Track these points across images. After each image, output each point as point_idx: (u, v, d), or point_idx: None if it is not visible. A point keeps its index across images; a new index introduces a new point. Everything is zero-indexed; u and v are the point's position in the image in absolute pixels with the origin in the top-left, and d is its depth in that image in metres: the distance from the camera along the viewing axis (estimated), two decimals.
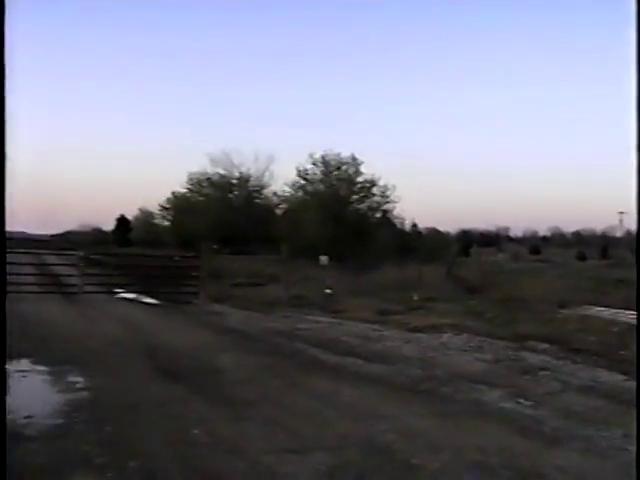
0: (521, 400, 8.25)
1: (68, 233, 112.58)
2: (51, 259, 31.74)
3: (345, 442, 6.27)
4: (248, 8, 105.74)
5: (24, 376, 9.21)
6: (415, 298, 20.06)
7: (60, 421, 6.84)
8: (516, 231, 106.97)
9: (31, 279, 22.32)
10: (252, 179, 57.60)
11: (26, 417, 6.89)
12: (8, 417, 6.94)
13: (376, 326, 15.08)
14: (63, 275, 24.71)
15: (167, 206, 70.88)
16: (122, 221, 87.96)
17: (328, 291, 21.55)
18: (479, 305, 18.42)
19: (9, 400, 7.77)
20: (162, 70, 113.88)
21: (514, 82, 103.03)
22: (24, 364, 10.01)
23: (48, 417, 7.01)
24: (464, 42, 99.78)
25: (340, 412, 7.48)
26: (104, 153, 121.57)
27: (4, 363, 1.91)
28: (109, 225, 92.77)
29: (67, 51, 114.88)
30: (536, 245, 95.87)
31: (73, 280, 22.28)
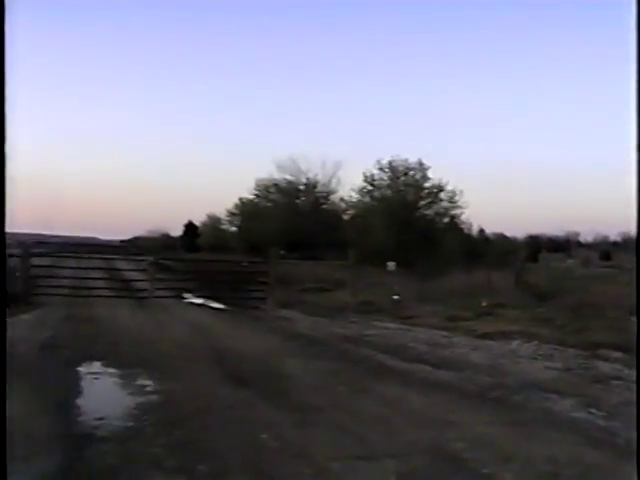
0: (593, 410, 8.03)
1: (137, 239, 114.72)
2: (121, 264, 32.38)
3: (414, 449, 6.20)
4: (310, 13, 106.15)
5: (96, 378, 9.41)
6: (484, 304, 19.78)
7: (131, 424, 6.94)
8: (586, 236, 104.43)
9: (102, 284, 22.82)
10: (319, 185, 57.69)
11: (98, 419, 7.02)
12: (81, 419, 7.11)
13: (444, 332, 14.93)
14: (133, 280, 25.22)
15: (235, 212, 71.61)
16: (190, 227, 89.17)
17: (396, 297, 21.43)
18: (549, 312, 18.04)
19: (82, 401, 7.96)
20: (229, 76, 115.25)
21: (579, 86, 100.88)
22: (96, 367, 10.23)
23: (119, 419, 7.13)
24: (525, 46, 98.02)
25: (408, 419, 7.41)
26: (173, 160, 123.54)
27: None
28: (177, 231, 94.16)
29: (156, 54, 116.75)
30: (607, 250, 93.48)
31: (143, 285, 22.68)
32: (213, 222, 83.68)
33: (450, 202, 46.37)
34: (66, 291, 20.67)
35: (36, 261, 21.84)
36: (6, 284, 1.87)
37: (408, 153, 50.71)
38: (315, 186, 57.95)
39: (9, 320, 15.57)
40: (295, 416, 7.39)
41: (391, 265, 25.23)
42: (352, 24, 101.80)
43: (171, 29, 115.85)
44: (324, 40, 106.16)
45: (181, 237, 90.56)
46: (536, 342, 13.25)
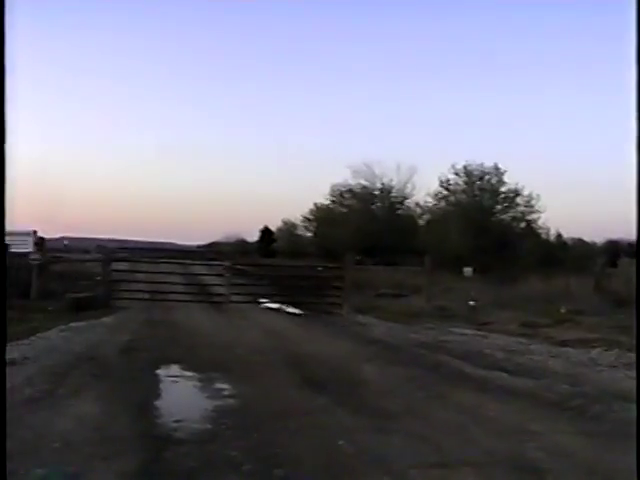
0: None
1: (214, 244, 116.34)
2: (198, 269, 32.87)
3: (491, 459, 6.10)
4: (377, 17, 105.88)
5: (174, 381, 9.58)
6: (562, 311, 19.36)
7: (209, 426, 7.04)
8: None
9: (180, 288, 23.21)
10: (394, 190, 57.52)
11: (176, 421, 7.15)
12: (160, 420, 7.24)
13: (522, 339, 14.67)
14: (210, 285, 25.57)
15: (310, 217, 72.01)
16: (266, 232, 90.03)
17: (472, 303, 21.19)
18: (629, 319, 17.55)
19: (161, 403, 8.10)
20: (305, 82, 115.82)
21: None
22: (174, 370, 10.42)
23: (197, 422, 7.24)
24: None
25: (485, 427, 7.30)
26: (249, 166, 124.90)
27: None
28: (253, 236, 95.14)
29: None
30: None
31: (220, 290, 23.00)
32: (288, 227, 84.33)
33: (527, 206, 45.56)
34: (145, 295, 21.13)
35: (116, 266, 22.36)
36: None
37: (484, 157, 50.12)
38: (390, 191, 57.81)
39: (93, 322, 16.02)
40: (372, 422, 7.37)
41: (468, 271, 24.99)
42: (424, 27, 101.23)
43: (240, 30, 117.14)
44: (399, 44, 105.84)
45: (257, 242, 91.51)
46: (617, 350, 12.88)
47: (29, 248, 21.16)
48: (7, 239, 20.78)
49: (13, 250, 20.79)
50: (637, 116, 2.17)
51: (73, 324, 15.47)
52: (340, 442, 6.51)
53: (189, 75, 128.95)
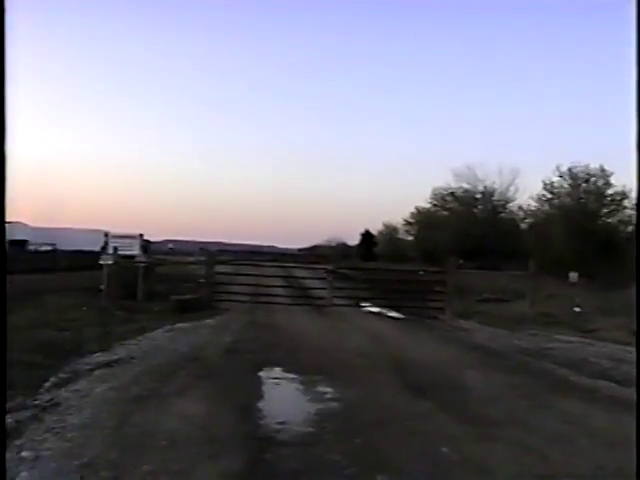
0: None
1: (315, 247, 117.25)
2: (300, 272, 33.15)
3: (601, 472, 5.88)
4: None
5: (277, 384, 9.69)
6: None
7: (311, 429, 7.08)
8: None
9: (282, 291, 23.47)
10: (496, 193, 56.59)
11: (279, 423, 7.23)
12: (263, 422, 7.33)
13: (629, 348, 14.12)
14: (312, 288, 25.78)
15: (411, 221, 71.77)
16: (367, 236, 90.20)
17: (577, 309, 20.59)
18: None
19: (264, 405, 8.20)
20: (406, 85, 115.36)
21: None
22: (277, 372, 10.54)
23: (300, 424, 7.29)
24: None
25: (593, 438, 7.06)
26: (350, 169, 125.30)
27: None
28: (354, 239, 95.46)
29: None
30: None
31: (321, 293, 23.13)
32: (389, 231, 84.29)
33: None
34: (247, 298, 21.45)
35: (219, 268, 22.80)
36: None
37: (590, 157, 48.65)
38: (492, 194, 56.92)
39: (197, 324, 16.37)
40: (475, 429, 7.25)
41: (573, 276, 24.29)
42: (522, 28, 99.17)
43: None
44: (498, 45, 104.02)
45: (358, 246, 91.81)
46: None
47: (136, 251, 21.84)
48: (116, 242, 21.56)
49: (120, 252, 21.54)
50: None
51: (178, 325, 15.86)
52: (443, 449, 6.43)
53: (293, 77, 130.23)
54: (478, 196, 57.85)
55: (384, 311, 22.73)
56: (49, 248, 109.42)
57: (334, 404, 8.42)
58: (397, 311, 22.41)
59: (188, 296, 20.76)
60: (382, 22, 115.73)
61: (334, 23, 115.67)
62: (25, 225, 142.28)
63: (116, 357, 11.20)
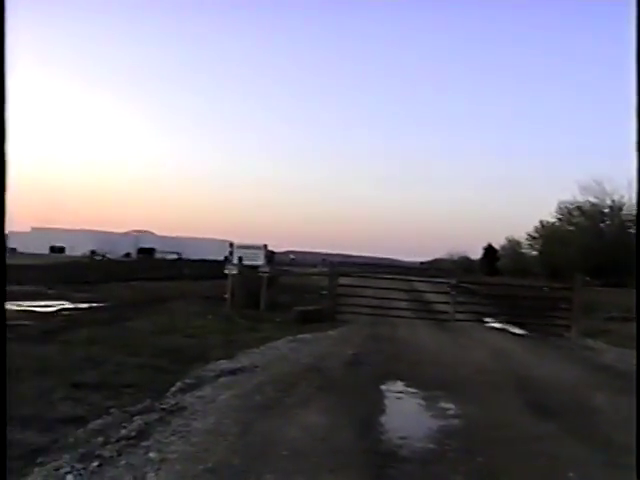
0: None
1: (436, 260, 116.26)
2: (421, 286, 32.85)
3: None
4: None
5: (399, 398, 9.60)
6: None
7: (433, 446, 6.96)
8: None
9: (403, 305, 23.32)
10: (625, 207, 54.35)
11: (401, 438, 7.14)
12: (385, 436, 7.26)
13: None
14: (433, 302, 25.49)
15: (535, 235, 70.03)
16: (490, 250, 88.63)
17: None
18: None
19: (385, 419, 8.13)
20: (531, 96, 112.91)
21: None
22: (399, 386, 10.44)
23: (422, 441, 7.18)
24: None
25: None
26: (472, 183, 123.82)
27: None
28: (476, 254, 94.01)
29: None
30: None
31: (443, 307, 22.86)
32: (512, 245, 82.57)
33: None
34: (368, 310, 21.43)
35: (342, 280, 22.89)
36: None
37: None
38: (621, 208, 54.74)
39: (319, 335, 16.47)
40: (604, 455, 6.91)
41: None
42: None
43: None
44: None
45: (480, 260, 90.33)
46: None
47: (260, 261, 22.23)
48: (241, 252, 22.04)
49: (245, 263, 21.98)
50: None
51: (300, 335, 16.01)
52: (570, 474, 6.17)
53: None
54: (606, 210, 55.85)
55: (507, 327, 22.21)
56: (175, 256, 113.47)
57: (456, 421, 8.25)
58: (521, 328, 21.85)
59: (310, 307, 20.96)
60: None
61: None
62: (153, 234, 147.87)
63: (240, 365, 11.40)
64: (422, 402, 9.41)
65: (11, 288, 29.88)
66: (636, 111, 2.07)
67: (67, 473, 5.56)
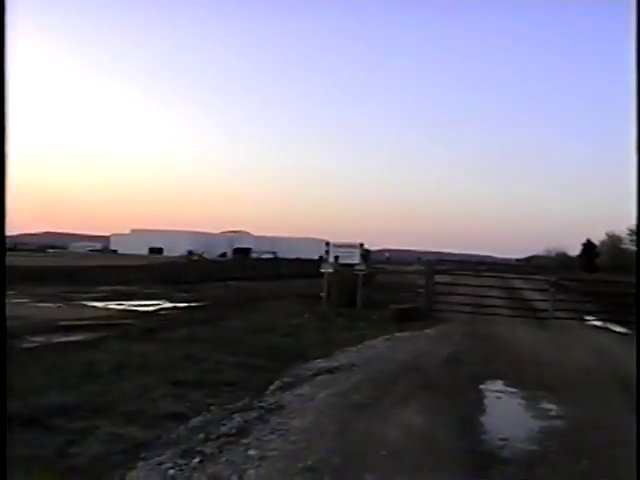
0: None
1: (533, 257, 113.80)
2: (518, 283, 32.24)
3: None
4: None
5: (498, 397, 9.39)
6: None
7: (535, 448, 6.77)
8: None
9: (500, 302, 22.90)
10: None
11: (502, 439, 6.97)
12: (485, 437, 7.11)
13: None
14: (531, 300, 24.93)
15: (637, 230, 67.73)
16: (589, 246, 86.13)
17: None
18: None
19: (485, 419, 7.97)
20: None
21: None
22: (497, 385, 10.22)
23: (523, 442, 7.00)
24: None
25: None
26: (569, 177, 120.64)
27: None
28: (575, 250, 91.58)
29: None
30: None
31: (542, 305, 22.31)
32: (613, 241, 79.98)
33: None
34: (465, 308, 21.13)
35: (438, 278, 22.65)
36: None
37: None
38: None
39: (415, 333, 16.34)
40: None
41: None
42: None
43: None
44: None
45: (579, 256, 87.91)
46: None
47: (356, 260, 22.21)
48: (337, 251, 22.10)
49: (341, 261, 22.01)
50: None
51: (397, 334, 15.90)
52: None
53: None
54: None
55: (609, 326, 21.50)
56: (270, 256, 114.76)
57: (558, 422, 8.01)
58: (624, 326, 21.10)
59: (407, 305, 20.80)
60: None
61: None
62: (249, 234, 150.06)
63: (337, 364, 11.40)
64: (522, 402, 9.19)
65: (113, 288, 30.94)
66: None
67: (169, 468, 5.67)
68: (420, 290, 22.01)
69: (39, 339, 13.53)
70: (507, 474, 5.85)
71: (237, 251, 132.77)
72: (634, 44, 2.17)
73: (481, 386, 10.08)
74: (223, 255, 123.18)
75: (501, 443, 6.82)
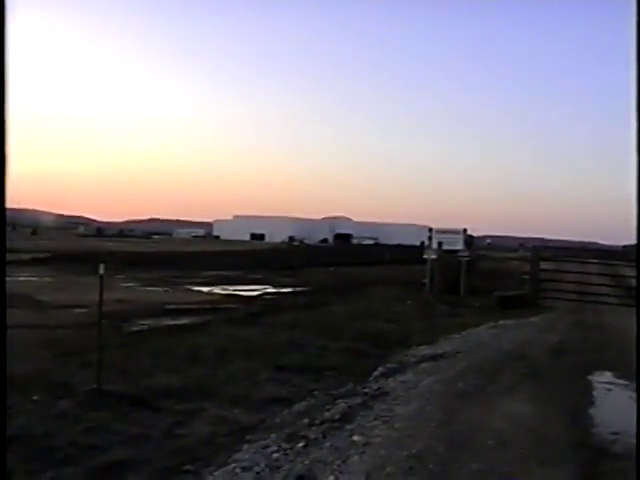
0: None
1: None
2: (627, 271, 31.03)
3: None
4: None
5: (609, 389, 9.07)
6: None
7: None
8: None
9: (607, 290, 22.15)
10: None
11: (613, 433, 6.71)
12: (595, 430, 6.88)
13: None
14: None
15: None
16: None
17: None
18: None
19: (594, 412, 7.71)
20: None
21: None
22: (607, 376, 9.87)
23: (634, 437, 6.70)
24: None
25: None
26: None
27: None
28: None
29: None
30: None
31: None
32: None
33: None
34: (571, 296, 20.54)
35: (543, 265, 22.10)
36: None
37: None
38: None
39: (520, 321, 16.00)
40: None
41: None
42: None
43: None
44: None
45: None
46: None
47: (459, 246, 21.94)
48: (440, 237, 21.88)
49: (445, 247, 21.78)
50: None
51: (501, 322, 15.58)
52: None
53: None
54: None
55: None
56: (371, 242, 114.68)
57: None
58: None
59: (511, 292, 20.39)
60: None
61: None
62: (350, 220, 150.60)
63: (441, 351, 11.27)
64: (634, 395, 8.83)
65: (217, 273, 31.58)
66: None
67: (274, 452, 5.72)
68: (525, 277, 21.55)
69: (147, 322, 13.95)
70: (618, 469, 5.62)
71: (338, 237, 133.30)
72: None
73: (590, 377, 9.74)
74: (324, 241, 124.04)
75: (612, 437, 6.56)
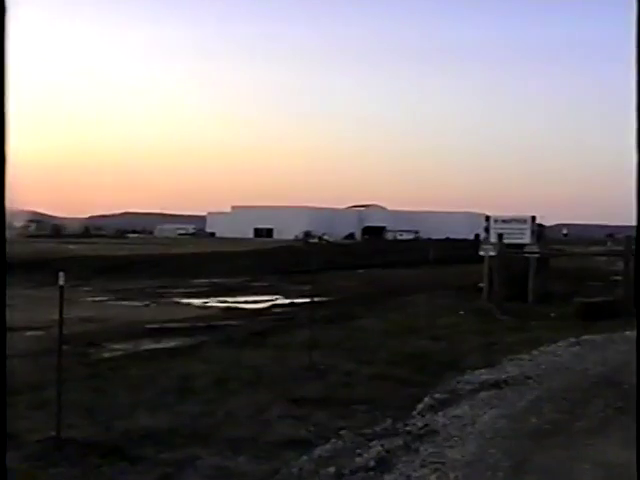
0: None
1: None
2: None
3: None
4: None
5: None
6: None
7: None
8: None
9: None
10: None
11: None
12: None
13: None
14: None
15: None
16: None
17: None
18: None
19: None
20: None
21: None
22: None
23: None
24: None
25: None
26: None
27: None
28: None
29: None
30: None
31: None
32: None
33: None
34: None
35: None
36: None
37: None
38: None
39: (612, 336, 15.79)
40: None
41: None
42: None
43: None
44: None
45: None
46: None
47: (526, 239, 21.71)
48: (500, 227, 21.66)
49: (506, 241, 21.49)
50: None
51: (585, 337, 15.38)
52: None
53: None
54: None
55: None
56: (411, 236, 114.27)
57: None
58: None
59: (598, 299, 20.19)
60: None
61: None
62: (383, 209, 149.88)
63: (505, 376, 11.14)
64: None
65: (212, 281, 31.58)
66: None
67: None
68: (616, 278, 21.36)
69: (123, 347, 13.93)
70: None
71: (367, 231, 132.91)
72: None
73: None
74: (350, 236, 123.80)
75: None
